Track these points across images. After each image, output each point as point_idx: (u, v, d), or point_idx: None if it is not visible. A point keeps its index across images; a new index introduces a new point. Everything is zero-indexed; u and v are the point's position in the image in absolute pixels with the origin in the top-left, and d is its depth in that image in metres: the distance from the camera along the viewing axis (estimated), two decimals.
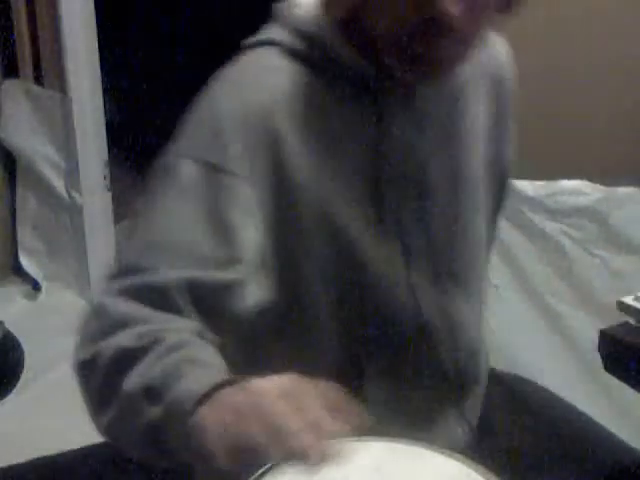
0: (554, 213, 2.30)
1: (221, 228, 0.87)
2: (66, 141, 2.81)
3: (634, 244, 2.23)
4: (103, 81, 2.84)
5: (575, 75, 2.29)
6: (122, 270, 0.88)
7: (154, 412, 0.74)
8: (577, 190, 2.28)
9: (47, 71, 2.84)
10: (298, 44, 0.93)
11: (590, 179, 2.26)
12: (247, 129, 0.89)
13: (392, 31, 0.86)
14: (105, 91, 2.87)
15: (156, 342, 0.78)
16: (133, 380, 0.77)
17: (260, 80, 0.93)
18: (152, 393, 0.74)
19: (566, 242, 2.31)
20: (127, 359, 0.78)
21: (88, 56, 2.74)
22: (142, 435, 0.77)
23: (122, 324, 0.81)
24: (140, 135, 4.21)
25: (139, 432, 0.77)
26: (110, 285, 0.86)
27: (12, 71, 2.90)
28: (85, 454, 2.08)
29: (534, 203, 2.29)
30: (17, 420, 2.27)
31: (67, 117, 2.76)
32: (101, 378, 0.80)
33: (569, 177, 2.28)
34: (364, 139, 0.95)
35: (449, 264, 1.04)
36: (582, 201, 2.27)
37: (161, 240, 0.88)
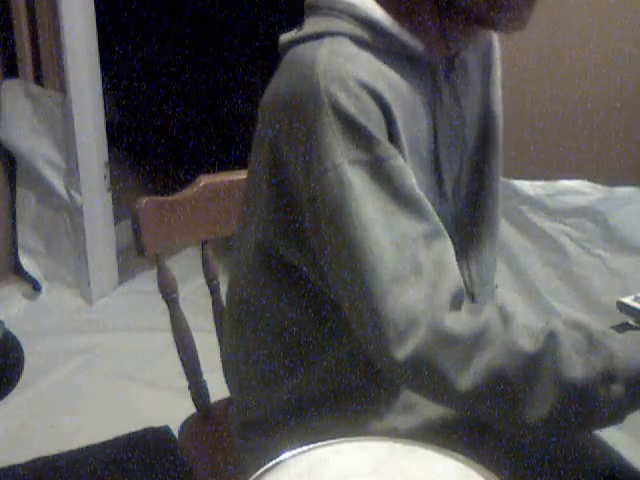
0: (554, 213, 2.29)
1: (413, 206, 0.91)
2: (66, 141, 2.81)
3: (634, 244, 2.23)
4: (103, 81, 2.84)
5: (575, 75, 2.29)
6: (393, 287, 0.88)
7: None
8: (577, 190, 2.27)
9: (47, 71, 2.84)
10: (363, 33, 0.97)
11: (590, 179, 2.26)
12: (374, 110, 0.92)
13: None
14: (105, 91, 2.87)
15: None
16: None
17: (355, 62, 0.94)
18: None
19: (566, 242, 2.31)
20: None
21: (88, 56, 2.74)
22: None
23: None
24: (140, 135, 4.21)
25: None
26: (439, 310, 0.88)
27: (12, 71, 2.90)
28: (85, 454, 2.08)
29: (534, 203, 2.28)
30: (17, 420, 2.27)
31: (67, 117, 2.76)
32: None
33: (569, 177, 2.28)
34: (425, 113, 1.01)
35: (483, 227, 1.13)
36: (582, 201, 2.26)
37: (380, 249, 0.89)
